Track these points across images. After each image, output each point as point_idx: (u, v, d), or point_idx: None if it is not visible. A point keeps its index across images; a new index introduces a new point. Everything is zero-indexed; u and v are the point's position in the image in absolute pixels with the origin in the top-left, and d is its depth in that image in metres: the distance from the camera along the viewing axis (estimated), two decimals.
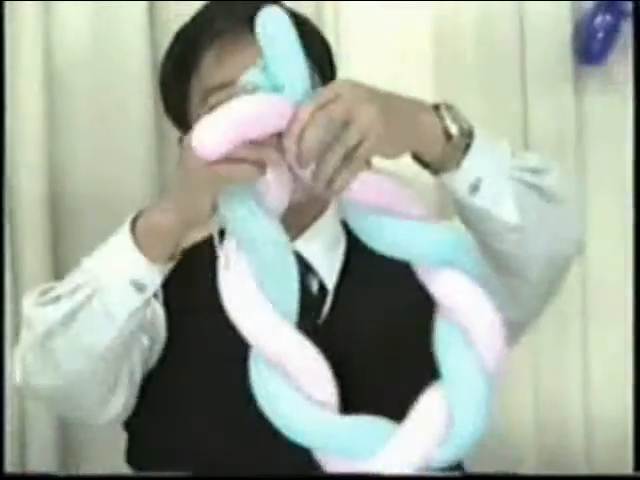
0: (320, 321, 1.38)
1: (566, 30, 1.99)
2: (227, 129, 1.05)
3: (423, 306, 1.19)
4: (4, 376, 1.75)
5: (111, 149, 1.83)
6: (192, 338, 1.39)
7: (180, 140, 1.39)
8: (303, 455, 1.16)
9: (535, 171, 1.26)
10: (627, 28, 1.98)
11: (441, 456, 1.11)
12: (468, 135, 1.19)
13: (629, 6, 1.97)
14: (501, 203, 1.22)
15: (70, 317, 1.25)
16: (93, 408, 1.36)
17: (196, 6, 1.43)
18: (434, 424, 1.10)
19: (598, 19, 1.99)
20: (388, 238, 1.15)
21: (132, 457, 1.46)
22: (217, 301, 1.16)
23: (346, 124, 1.08)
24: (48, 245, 1.82)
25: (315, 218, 1.43)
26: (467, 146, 1.20)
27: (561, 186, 1.29)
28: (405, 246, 1.14)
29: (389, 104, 1.13)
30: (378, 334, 1.35)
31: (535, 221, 1.25)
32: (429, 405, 1.12)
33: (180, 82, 1.42)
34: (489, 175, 1.21)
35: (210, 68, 1.38)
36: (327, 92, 1.11)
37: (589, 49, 2.01)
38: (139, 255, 1.21)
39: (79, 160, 1.84)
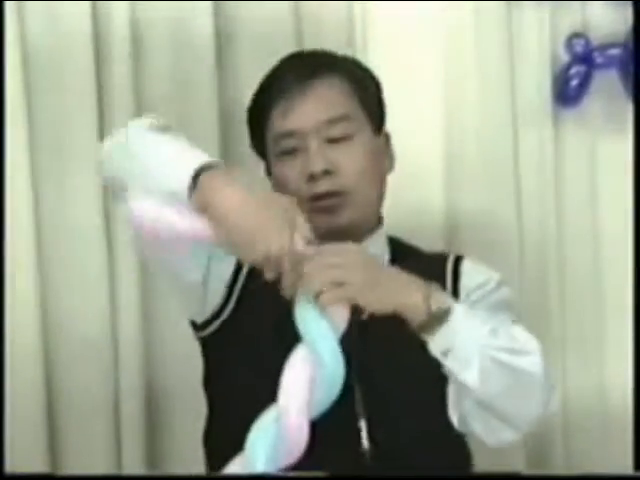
0: (364, 317, 1.46)
1: (547, 78, 2.26)
2: None
3: None
4: (4, 376, 1.84)
5: None
6: (251, 325, 1.52)
7: (268, 172, 1.59)
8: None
9: (512, 352, 1.33)
10: (597, 76, 2.26)
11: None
12: (445, 314, 1.31)
13: (599, 59, 2.25)
14: (467, 370, 1.31)
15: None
16: None
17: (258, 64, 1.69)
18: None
19: (573, 70, 2.27)
20: None
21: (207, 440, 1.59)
22: (274, 304, 1.32)
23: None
24: None
25: (368, 234, 1.57)
26: (443, 319, 1.31)
27: (534, 366, 1.34)
28: None
29: (379, 277, 1.30)
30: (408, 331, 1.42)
31: (499, 392, 1.33)
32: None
33: (257, 127, 1.59)
34: (460, 348, 1.31)
35: (277, 120, 1.53)
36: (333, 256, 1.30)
37: (566, 94, 2.28)
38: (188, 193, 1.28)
39: None
